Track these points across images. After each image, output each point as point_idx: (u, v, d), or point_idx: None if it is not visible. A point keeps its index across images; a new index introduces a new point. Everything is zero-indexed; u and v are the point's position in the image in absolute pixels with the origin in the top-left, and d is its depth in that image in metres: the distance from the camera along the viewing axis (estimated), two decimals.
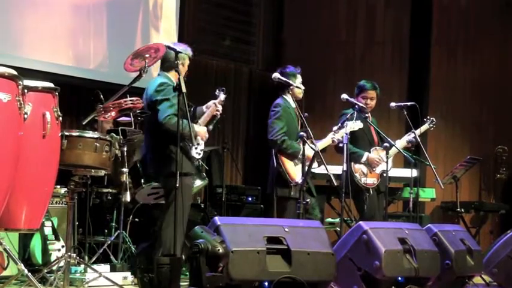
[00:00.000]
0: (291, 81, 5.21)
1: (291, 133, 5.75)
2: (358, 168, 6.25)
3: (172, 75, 5.34)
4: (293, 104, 5.96)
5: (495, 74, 9.99)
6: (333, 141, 5.96)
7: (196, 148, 5.27)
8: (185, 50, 5.38)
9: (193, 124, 5.13)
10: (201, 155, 5.36)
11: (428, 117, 6.85)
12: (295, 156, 5.66)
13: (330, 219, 7.94)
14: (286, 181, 5.66)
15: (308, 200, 5.23)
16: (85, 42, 7.36)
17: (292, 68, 5.99)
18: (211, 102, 5.49)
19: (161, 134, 5.19)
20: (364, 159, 6.26)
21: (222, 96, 5.54)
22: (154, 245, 5.15)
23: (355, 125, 6.01)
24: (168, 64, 5.31)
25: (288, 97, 5.95)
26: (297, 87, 5.18)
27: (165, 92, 5.13)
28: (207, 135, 5.35)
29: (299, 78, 6.00)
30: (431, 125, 6.73)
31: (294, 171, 5.71)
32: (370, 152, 6.31)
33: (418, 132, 6.48)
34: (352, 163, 6.18)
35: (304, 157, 5.40)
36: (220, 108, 5.48)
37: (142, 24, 7.95)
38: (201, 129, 5.30)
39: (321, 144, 5.82)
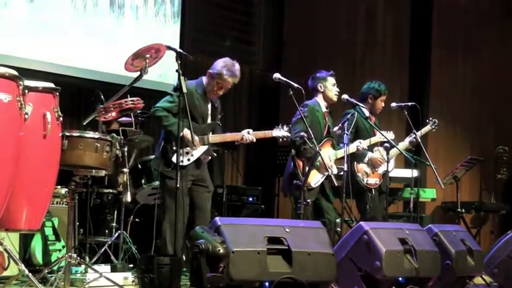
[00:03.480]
0: (291, 82, 5.19)
1: (313, 136, 5.69)
2: (361, 168, 6.25)
3: (204, 80, 5.44)
4: (324, 108, 6.01)
5: (495, 75, 10.01)
6: (358, 149, 6.05)
7: (187, 154, 5.25)
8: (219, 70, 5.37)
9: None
10: (188, 163, 5.28)
11: (430, 118, 6.86)
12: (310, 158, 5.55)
13: None
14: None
15: (309, 200, 5.22)
16: (85, 42, 7.35)
17: (324, 72, 6.08)
18: (245, 130, 5.47)
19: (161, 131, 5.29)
20: (366, 159, 6.26)
21: (282, 133, 5.52)
22: None
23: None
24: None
25: (320, 100, 6.00)
26: (297, 87, 5.16)
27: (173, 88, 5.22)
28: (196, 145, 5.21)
29: (330, 81, 6.03)
30: (433, 127, 6.74)
31: (310, 175, 5.68)
32: (372, 152, 6.32)
33: (419, 133, 6.48)
34: (355, 163, 6.20)
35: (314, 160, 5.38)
36: (250, 139, 5.43)
37: (143, 25, 7.95)
38: (187, 133, 5.06)
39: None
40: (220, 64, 5.40)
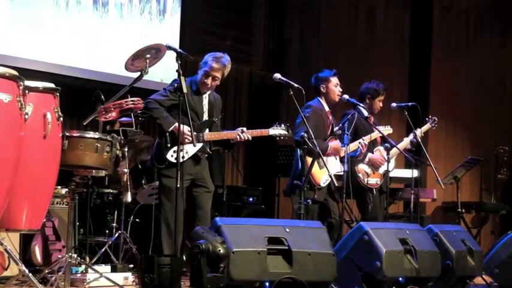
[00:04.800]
0: (291, 82, 5.18)
1: (318, 135, 5.60)
2: (362, 168, 6.25)
3: (198, 77, 5.45)
4: (326, 108, 6.00)
5: (495, 74, 9.99)
6: (361, 145, 6.05)
7: (181, 151, 5.21)
8: None
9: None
10: (181, 160, 5.21)
11: (430, 116, 6.86)
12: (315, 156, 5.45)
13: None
14: (310, 184, 5.59)
15: (309, 200, 5.22)
16: (86, 43, 7.35)
17: (327, 71, 6.06)
18: (239, 129, 5.45)
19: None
20: (366, 159, 6.26)
21: (279, 131, 5.51)
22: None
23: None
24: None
25: (322, 100, 5.99)
26: (297, 87, 5.14)
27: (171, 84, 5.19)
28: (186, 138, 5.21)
29: (333, 82, 6.01)
30: (433, 125, 6.75)
31: (319, 174, 5.68)
32: (372, 153, 6.32)
33: (419, 132, 6.48)
34: (355, 163, 6.19)
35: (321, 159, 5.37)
36: (244, 137, 5.40)
37: (143, 25, 7.94)
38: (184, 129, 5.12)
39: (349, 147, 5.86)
40: (209, 54, 5.44)
